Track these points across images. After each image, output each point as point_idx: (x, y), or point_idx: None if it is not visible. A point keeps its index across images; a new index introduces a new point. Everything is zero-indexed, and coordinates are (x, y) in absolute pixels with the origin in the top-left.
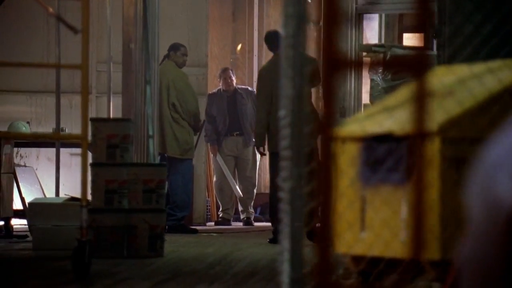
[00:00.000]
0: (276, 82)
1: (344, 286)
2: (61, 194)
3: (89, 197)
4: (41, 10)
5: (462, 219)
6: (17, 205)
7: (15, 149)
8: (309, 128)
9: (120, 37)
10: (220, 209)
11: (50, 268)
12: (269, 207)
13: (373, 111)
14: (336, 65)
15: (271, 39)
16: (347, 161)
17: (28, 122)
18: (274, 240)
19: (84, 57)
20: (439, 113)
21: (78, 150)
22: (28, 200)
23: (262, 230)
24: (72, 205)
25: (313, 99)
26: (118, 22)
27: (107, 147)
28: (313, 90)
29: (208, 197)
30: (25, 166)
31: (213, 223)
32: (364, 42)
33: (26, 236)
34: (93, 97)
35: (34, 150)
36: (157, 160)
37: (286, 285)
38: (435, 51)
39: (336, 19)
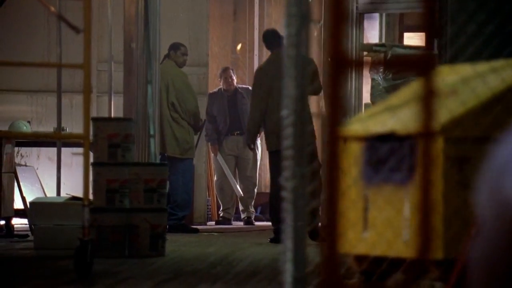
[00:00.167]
0: (274, 81)
1: (347, 286)
2: (62, 194)
3: (91, 197)
4: (42, 10)
5: (465, 219)
6: (18, 204)
7: (16, 149)
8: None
9: (121, 36)
10: (221, 208)
11: (52, 268)
12: (269, 207)
13: (375, 110)
14: (343, 64)
15: (269, 37)
16: (350, 161)
17: (29, 122)
18: (275, 240)
19: (86, 56)
20: (442, 113)
21: (79, 150)
22: (28, 199)
23: (263, 229)
24: (73, 205)
25: (313, 100)
26: (119, 21)
27: (109, 146)
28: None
29: (209, 197)
30: (26, 165)
31: (213, 223)
32: (365, 42)
33: (27, 235)
34: (94, 96)
35: (35, 150)
36: (158, 159)
37: (289, 285)
38: (436, 51)
39: (342, 18)
